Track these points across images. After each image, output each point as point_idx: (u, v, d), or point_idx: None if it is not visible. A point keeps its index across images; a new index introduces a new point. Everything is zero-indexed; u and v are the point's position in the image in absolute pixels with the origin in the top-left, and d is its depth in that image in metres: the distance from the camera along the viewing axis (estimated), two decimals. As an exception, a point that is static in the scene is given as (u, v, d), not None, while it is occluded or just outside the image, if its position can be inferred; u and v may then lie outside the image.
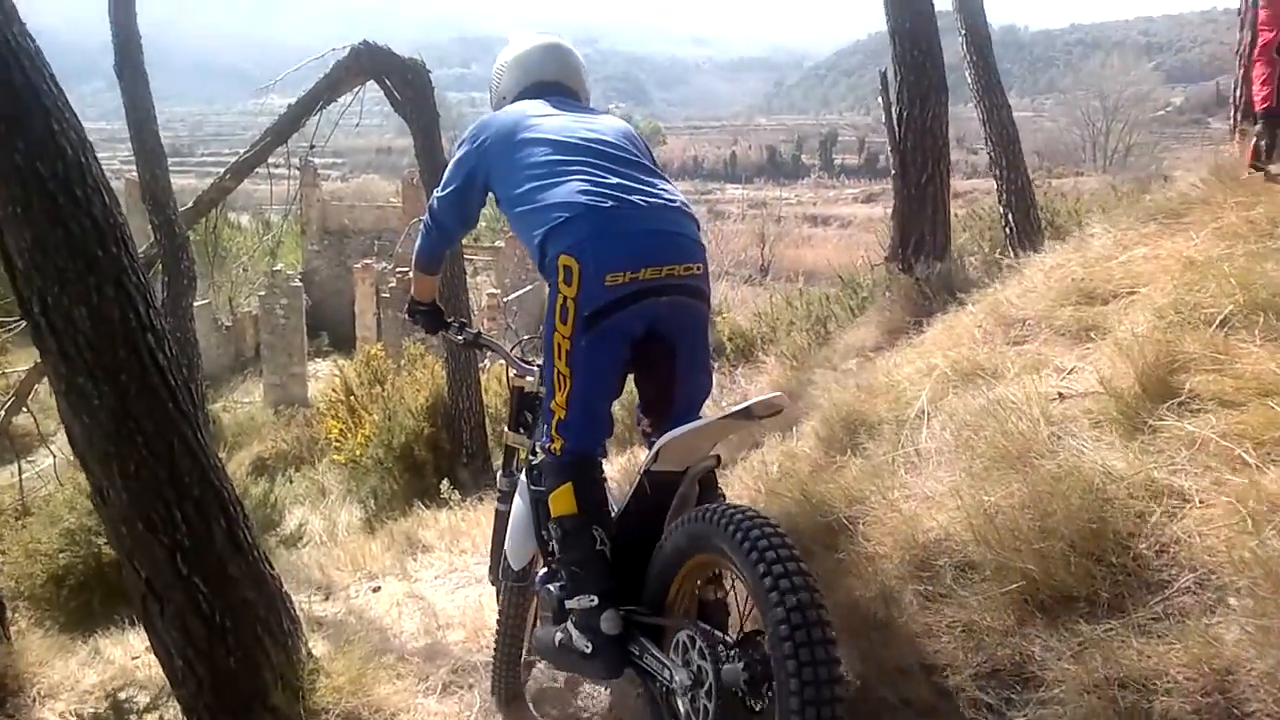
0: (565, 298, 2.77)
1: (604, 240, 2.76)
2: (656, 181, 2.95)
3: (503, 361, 3.88)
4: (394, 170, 64.43)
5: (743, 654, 2.41)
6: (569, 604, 2.90)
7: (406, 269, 27.01)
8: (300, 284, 32.19)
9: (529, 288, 31.27)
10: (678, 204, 2.92)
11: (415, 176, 20.47)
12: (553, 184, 2.88)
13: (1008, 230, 8.49)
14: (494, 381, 11.01)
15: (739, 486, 4.56)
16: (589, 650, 2.81)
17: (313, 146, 11.22)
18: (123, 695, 3.79)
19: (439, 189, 3.32)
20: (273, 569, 3.83)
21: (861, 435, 3.92)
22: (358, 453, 10.93)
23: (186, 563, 3.49)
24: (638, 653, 2.76)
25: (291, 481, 15.40)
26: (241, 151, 11.60)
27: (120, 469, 3.41)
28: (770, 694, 2.32)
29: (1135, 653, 2.30)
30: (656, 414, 3.11)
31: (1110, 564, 2.51)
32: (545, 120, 3.09)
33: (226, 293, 36.53)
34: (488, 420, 10.17)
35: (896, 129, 7.27)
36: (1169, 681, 2.21)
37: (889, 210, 8.12)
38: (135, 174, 9.69)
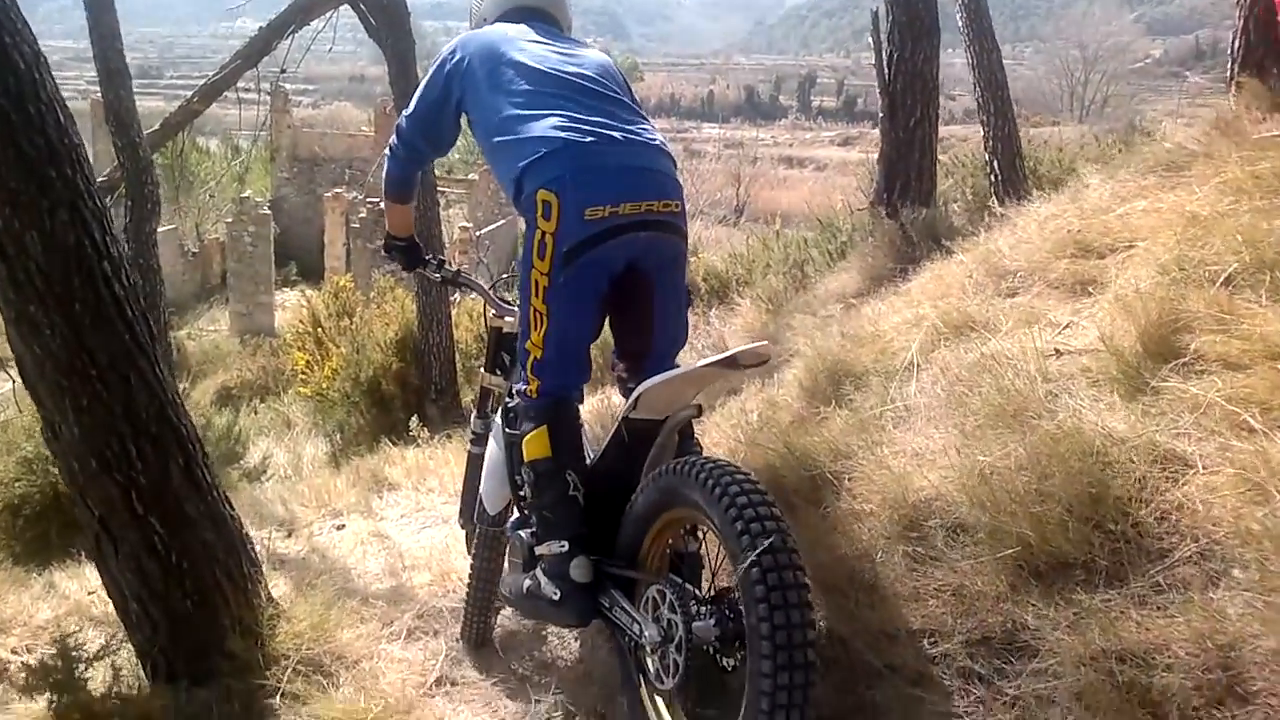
0: (544, 233, 2.71)
1: (583, 175, 2.71)
2: (636, 119, 2.91)
3: (479, 299, 3.75)
4: (367, 98, 63.45)
5: (715, 610, 2.37)
6: (539, 550, 2.87)
7: (377, 199, 26.61)
8: (269, 212, 31.71)
9: (502, 222, 30.93)
10: (656, 142, 2.89)
11: (388, 105, 20.09)
12: (532, 116, 2.81)
13: (993, 178, 8.35)
14: (465, 316, 10.84)
15: (716, 434, 4.44)
16: (557, 597, 2.78)
17: (283, 71, 10.95)
18: (74, 636, 3.65)
19: (408, 109, 3.22)
20: (232, 510, 3.69)
21: (847, 386, 3.80)
22: (324, 386, 10.74)
23: (142, 502, 3.34)
24: (608, 605, 2.72)
25: (256, 413, 15.19)
26: (210, 74, 11.29)
27: (73, 402, 3.24)
28: (742, 651, 2.27)
29: (1134, 624, 2.20)
30: (633, 357, 3.05)
31: (1109, 531, 2.41)
32: (528, 47, 2.99)
33: (193, 219, 35.92)
34: (458, 356, 10.02)
35: (886, 70, 7.10)
36: (1169, 656, 2.11)
37: (866, 154, 7.99)
38: (100, 95, 9.38)
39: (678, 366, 2.87)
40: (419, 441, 7.55)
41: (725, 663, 2.35)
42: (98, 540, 3.44)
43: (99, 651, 3.50)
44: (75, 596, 4.96)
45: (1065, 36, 74.05)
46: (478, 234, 27.21)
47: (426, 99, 3.14)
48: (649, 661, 2.53)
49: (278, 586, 4.72)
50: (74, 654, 3.29)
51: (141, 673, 3.57)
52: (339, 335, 11.74)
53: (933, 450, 2.98)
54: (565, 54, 3.02)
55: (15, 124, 3.04)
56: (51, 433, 3.37)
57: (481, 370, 3.68)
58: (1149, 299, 3.04)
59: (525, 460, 2.87)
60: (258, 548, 5.38)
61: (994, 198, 8.08)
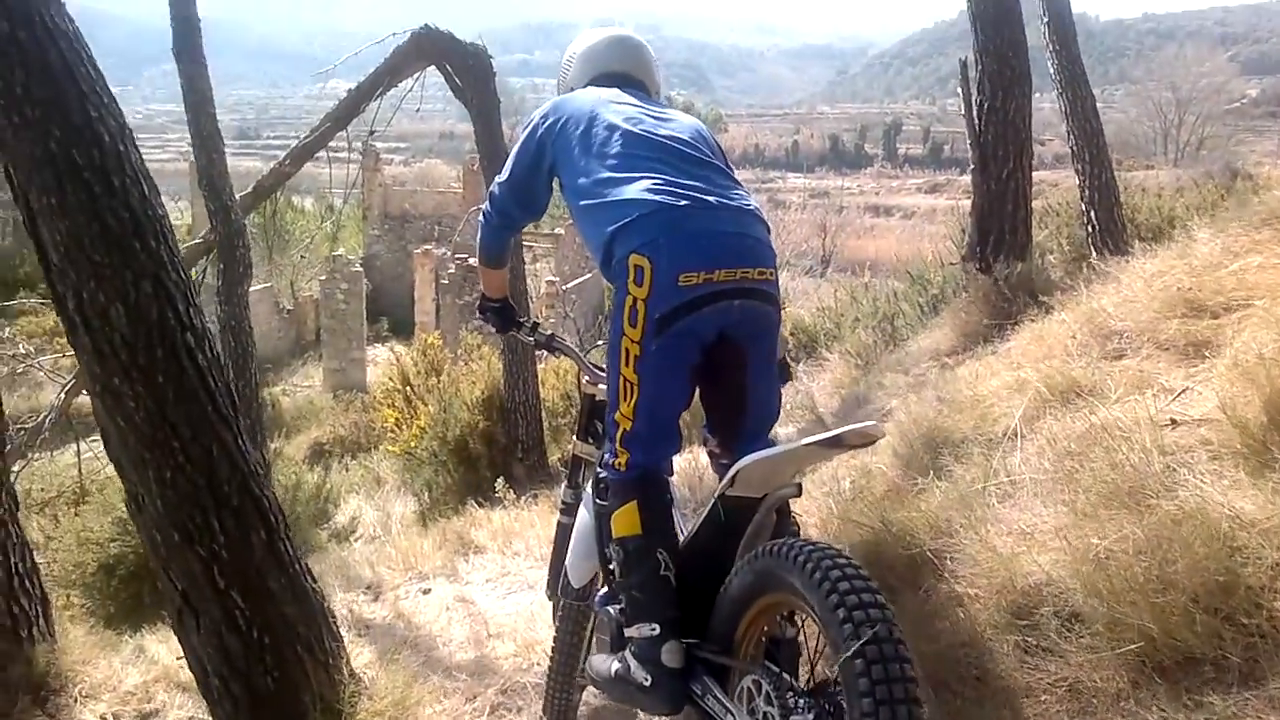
0: (635, 299, 2.62)
1: (678, 239, 2.61)
2: (730, 184, 2.83)
3: (571, 363, 3.67)
4: (456, 155, 64.74)
5: (814, 703, 2.19)
6: (629, 632, 2.72)
7: (466, 255, 26.98)
8: (360, 269, 32.27)
9: (588, 276, 31.08)
10: (751, 207, 2.80)
11: (476, 162, 20.43)
12: (624, 179, 2.74)
13: (1090, 229, 8.10)
14: (551, 375, 10.82)
15: (807, 503, 4.29)
16: (648, 682, 2.63)
17: (373, 132, 11.10)
18: (153, 706, 3.61)
19: (500, 175, 3.18)
20: (314, 582, 3.64)
21: (945, 456, 3.62)
22: (412, 444, 10.78)
23: (224, 575, 3.31)
24: (700, 691, 2.55)
25: (347, 469, 15.35)
26: (302, 137, 11.53)
27: (156, 475, 3.23)
28: None
29: (1274, 731, 2.00)
30: (725, 431, 2.95)
31: (1241, 624, 2.20)
32: (620, 109, 2.95)
33: (288, 276, 36.76)
34: (545, 415, 9.97)
35: (976, 120, 6.92)
36: (1316, 769, 1.91)
37: (954, 201, 7.81)
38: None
39: (775, 443, 2.73)
40: (505, 503, 7.50)
41: None
42: (180, 614, 3.41)
43: (178, 732, 3.45)
44: (164, 661, 4.95)
45: (1157, 78, 72.63)
46: (564, 288, 27.38)
47: (520, 163, 3.10)
48: None
49: (362, 654, 4.67)
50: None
51: (224, 750, 3.53)
52: (427, 393, 11.81)
53: (1042, 530, 2.79)
54: (658, 117, 2.96)
55: (100, 197, 3.06)
56: (135, 505, 3.36)
57: (573, 438, 3.55)
58: (1272, 364, 2.83)
59: (614, 537, 2.77)
60: (343, 612, 5.37)
61: (1092, 249, 7.84)
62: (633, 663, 2.68)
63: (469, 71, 9.30)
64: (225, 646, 3.35)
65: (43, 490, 10.60)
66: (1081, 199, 8.39)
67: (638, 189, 2.69)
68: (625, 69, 3.26)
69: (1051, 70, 8.52)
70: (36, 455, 10.44)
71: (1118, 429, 2.97)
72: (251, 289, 10.15)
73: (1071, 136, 8.46)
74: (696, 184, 2.73)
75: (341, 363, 30.20)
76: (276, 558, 3.43)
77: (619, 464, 2.79)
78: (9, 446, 9.67)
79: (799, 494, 2.63)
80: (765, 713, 2.28)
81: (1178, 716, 2.12)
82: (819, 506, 4.03)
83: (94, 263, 3.08)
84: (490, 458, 9.81)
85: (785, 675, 2.33)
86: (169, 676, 4.72)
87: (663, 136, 2.86)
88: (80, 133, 3.05)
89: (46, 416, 10.08)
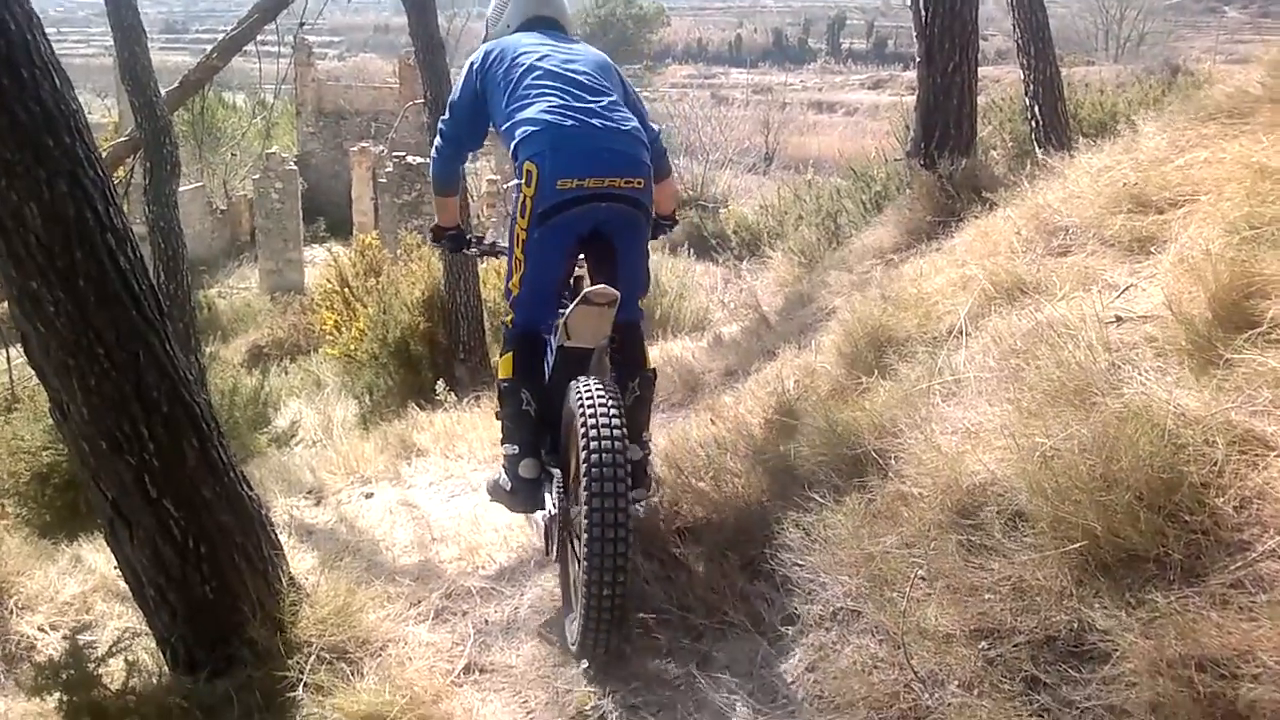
0: (525, 196, 3.38)
1: (559, 152, 3.33)
2: (616, 110, 3.51)
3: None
4: (392, 50, 62.82)
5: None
6: (500, 450, 3.72)
7: (404, 153, 26.42)
8: (295, 167, 31.44)
9: (529, 174, 30.57)
10: (629, 129, 3.48)
11: (412, 56, 19.81)
12: (529, 103, 3.46)
13: (1034, 124, 8.04)
14: (492, 274, 10.66)
15: (751, 402, 4.27)
16: (508, 488, 3.61)
17: (303, 24, 10.73)
18: (88, 628, 3.55)
19: (445, 113, 3.88)
20: (251, 490, 3.55)
21: (889, 354, 3.59)
22: (352, 346, 10.62)
23: (155, 484, 3.22)
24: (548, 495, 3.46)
25: (287, 373, 15.15)
26: (230, 29, 11.09)
27: (80, 382, 3.11)
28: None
29: (1215, 627, 2.00)
30: None
31: (1184, 521, 2.20)
32: (534, 48, 3.66)
33: (220, 176, 35.74)
34: (486, 315, 9.85)
35: (923, 13, 6.77)
36: (1256, 665, 1.92)
37: (898, 97, 7.71)
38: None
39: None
40: (447, 405, 7.43)
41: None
42: (112, 524, 3.33)
43: (113, 646, 3.38)
44: (102, 571, 4.87)
45: (1100, -29, 72.23)
46: (504, 186, 26.94)
47: (461, 101, 3.80)
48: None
49: (305, 559, 4.62)
50: (86, 651, 3.17)
51: (162, 660, 3.47)
52: (366, 295, 11.61)
53: (987, 429, 2.77)
54: (566, 55, 3.66)
55: (7, 89, 2.89)
56: (60, 414, 3.24)
57: None
58: (1218, 260, 2.80)
59: (497, 378, 3.73)
60: (284, 518, 5.30)
61: (1036, 145, 7.80)
62: (501, 474, 3.67)
63: (402, -41, 8.96)
64: (160, 556, 3.28)
65: (-34, 397, 10.32)
66: (1025, 94, 8.31)
67: (535, 110, 3.41)
68: (547, 13, 3.94)
69: (998, -39, 8.38)
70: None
71: (1063, 326, 2.94)
72: (182, 189, 9.85)
73: (1017, 30, 8.33)
74: (586, 107, 3.42)
75: (278, 264, 29.59)
76: (210, 465, 3.34)
77: (508, 321, 3.69)
78: (-68, 353, 9.40)
79: (615, 340, 3.58)
80: (554, 494, 3.37)
81: (1120, 614, 2.13)
82: (762, 406, 4.01)
83: (4, 160, 2.92)
84: (432, 359, 9.72)
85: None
86: (107, 586, 4.66)
87: (567, 69, 3.56)
88: (-18, 21, 2.85)
89: (-30, 321, 9.79)
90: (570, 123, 3.36)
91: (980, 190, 5.62)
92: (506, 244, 3.63)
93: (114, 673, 3.33)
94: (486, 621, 3.66)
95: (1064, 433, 2.46)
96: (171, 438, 3.23)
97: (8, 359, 10.21)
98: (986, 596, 2.35)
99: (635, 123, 3.53)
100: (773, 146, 41.24)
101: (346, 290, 12.18)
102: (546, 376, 3.61)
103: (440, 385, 7.87)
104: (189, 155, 25.28)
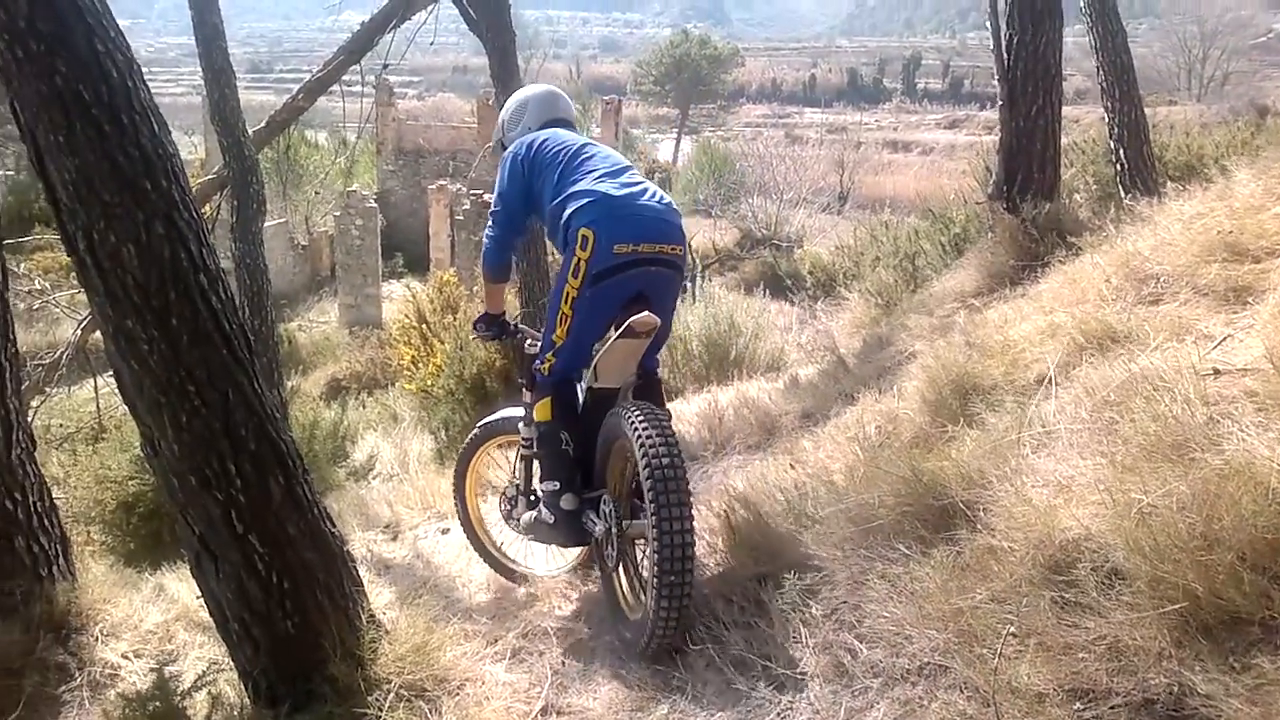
0: (580, 259, 3.70)
1: (615, 220, 3.70)
2: (650, 185, 3.92)
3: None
4: (470, 89, 64.00)
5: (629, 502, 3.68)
6: (540, 487, 4.04)
7: (480, 191, 26.73)
8: (375, 204, 32.00)
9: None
10: (669, 203, 3.89)
11: (491, 96, 20.07)
12: (580, 178, 3.84)
13: (1119, 167, 7.93)
14: (567, 313, 10.72)
15: (831, 447, 4.22)
16: (552, 521, 3.93)
17: (386, 65, 10.94)
18: (174, 661, 3.60)
19: (495, 205, 4.18)
20: (334, 526, 3.59)
21: (975, 402, 3.53)
22: (429, 382, 10.73)
23: (242, 520, 3.27)
24: (590, 524, 3.84)
25: (364, 406, 15.33)
26: (315, 70, 11.35)
27: (171, 419, 3.18)
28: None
29: (1326, 697, 1.93)
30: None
31: (1290, 584, 2.13)
32: (569, 137, 4.09)
33: (303, 212, 36.51)
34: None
35: (1005, 55, 6.72)
36: (1370, 736, 1.84)
37: (975, 137, 7.64)
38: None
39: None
40: (521, 442, 7.43)
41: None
42: (198, 558, 3.39)
43: (198, 679, 3.43)
44: (184, 600, 4.95)
45: (1182, 11, 71.13)
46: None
47: (512, 188, 4.10)
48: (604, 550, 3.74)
49: (383, 594, 4.66)
50: (171, 684, 3.21)
51: (244, 693, 3.51)
52: (443, 330, 11.74)
53: (1080, 483, 2.70)
54: (594, 146, 4.05)
55: (108, 135, 2.97)
56: (151, 449, 3.31)
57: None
58: (1322, 313, 2.72)
59: (534, 420, 4.02)
60: (362, 552, 5.35)
61: (1121, 189, 7.68)
62: (543, 510, 3.99)
63: (483, 3, 9.10)
64: (245, 591, 3.32)
65: (61, 426, 10.61)
66: (1110, 136, 8.21)
67: (587, 184, 3.79)
68: (563, 115, 4.39)
69: (1082, 3, 8.29)
70: (54, 390, 10.46)
71: (1158, 378, 2.87)
72: (266, 225, 10.04)
73: (1101, 72, 8.25)
74: (631, 182, 3.83)
75: (357, 299, 30.07)
76: (295, 502, 3.38)
77: (545, 368, 3.96)
78: (26, 383, 9.68)
79: (639, 380, 3.95)
80: (605, 513, 3.68)
81: (1223, 678, 2.05)
82: (844, 452, 3.96)
83: (104, 202, 3.01)
84: (506, 396, 9.76)
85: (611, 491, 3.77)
86: (189, 615, 4.72)
87: (599, 154, 3.98)
88: (87, 68, 2.96)
89: (63, 352, 10.09)
90: (622, 194, 3.75)
91: (1065, 235, 5.54)
92: (546, 320, 3.99)
93: (198, 705, 3.38)
94: (563, 662, 3.64)
95: (1161, 489, 2.39)
96: (258, 474, 3.28)
97: (95, 389, 10.50)
98: (1081, 656, 2.27)
99: (667, 197, 3.95)
100: (847, 186, 41.11)
101: (424, 326, 12.33)
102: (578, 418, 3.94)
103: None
104: (273, 192, 25.86)
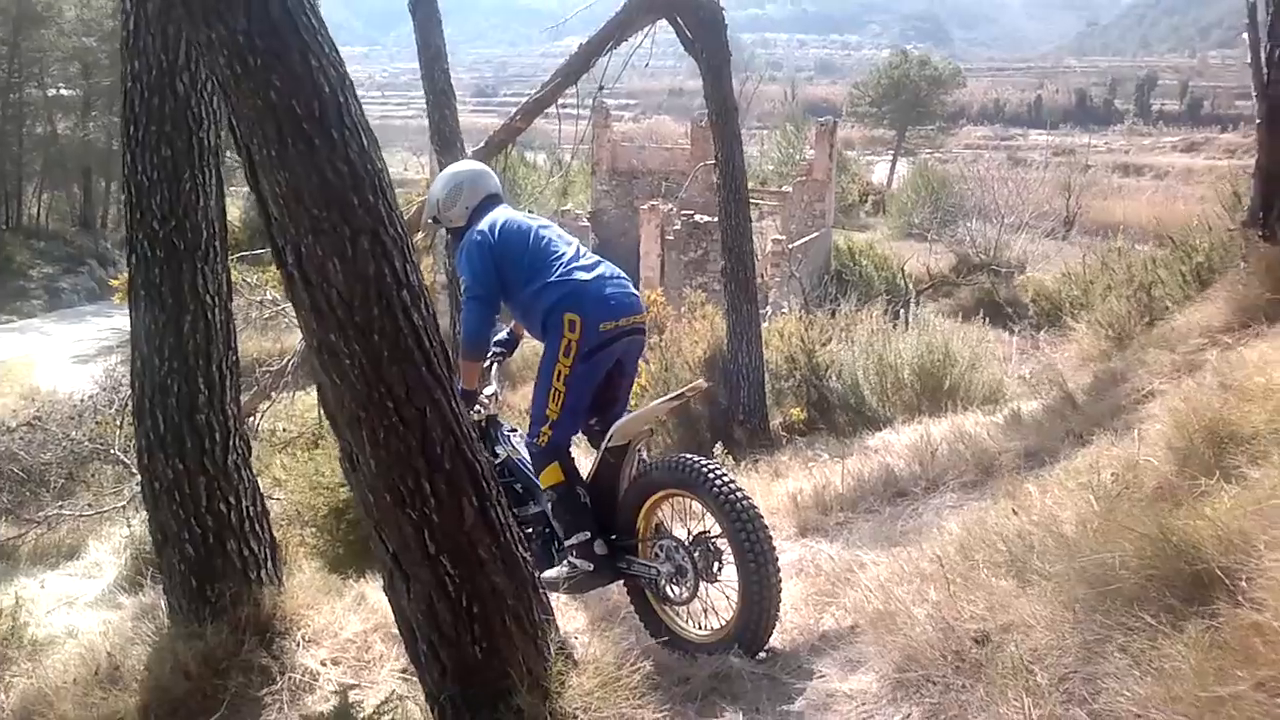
0: (569, 340, 4.25)
1: (595, 303, 4.29)
2: (604, 263, 4.51)
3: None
4: (684, 112, 64.60)
5: (701, 546, 4.12)
6: (569, 541, 4.34)
7: (692, 211, 26.85)
8: (588, 223, 32.59)
9: (815, 235, 30.42)
10: (624, 278, 4.53)
11: (705, 119, 20.12)
12: (548, 268, 4.36)
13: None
14: (774, 336, 10.49)
15: (1060, 493, 3.86)
16: (591, 568, 4.28)
17: (602, 87, 11.02)
18: (370, 657, 3.56)
19: (469, 287, 4.46)
20: (525, 552, 3.50)
21: (1233, 453, 3.13)
22: (633, 404, 10.69)
23: (434, 540, 3.22)
24: (625, 566, 4.33)
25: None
26: (534, 92, 11.55)
27: (369, 435, 3.16)
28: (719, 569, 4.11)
29: None
30: (606, 413, 4.57)
31: None
32: (517, 218, 4.56)
33: (520, 230, 37.50)
34: (768, 378, 9.68)
35: (1265, 70, 6.14)
36: None
37: (1214, 161, 7.01)
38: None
39: (638, 408, 4.65)
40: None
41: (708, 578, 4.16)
42: (391, 576, 3.36)
43: (381, 705, 3.39)
44: (383, 611, 4.98)
45: None
46: (790, 246, 26.83)
47: (485, 270, 4.42)
48: (669, 588, 4.20)
49: (576, 619, 4.56)
50: (353, 709, 3.17)
51: (430, 717, 3.45)
52: (649, 351, 11.70)
53: (1370, 556, 2.31)
54: (542, 227, 4.58)
55: (319, 149, 2.98)
56: (350, 464, 3.30)
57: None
58: None
59: (546, 487, 4.39)
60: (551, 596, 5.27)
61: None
62: (577, 560, 4.31)
63: (701, 24, 9.06)
64: (434, 612, 3.28)
65: (285, 430, 11.08)
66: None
67: (561, 273, 4.33)
68: (495, 190, 4.78)
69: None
70: (282, 396, 10.95)
71: None
72: (481, 242, 10.25)
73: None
74: (592, 264, 4.42)
75: (566, 315, 30.62)
76: (488, 525, 3.31)
77: (541, 441, 4.37)
78: (254, 389, 10.15)
79: (649, 434, 4.71)
80: (681, 557, 4.14)
81: None
82: (1075, 501, 3.60)
83: (312, 216, 3.01)
84: (710, 419, 9.63)
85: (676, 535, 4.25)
86: (386, 627, 4.75)
87: (559, 240, 4.52)
88: (301, 83, 2.97)
89: (289, 360, 10.57)
90: (592, 278, 4.34)
91: (1334, 267, 4.97)
92: (534, 399, 4.41)
93: (385, 726, 3.33)
94: (757, 709, 3.44)
95: None
96: (452, 495, 3.23)
97: (319, 398, 10.93)
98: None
99: (622, 273, 4.55)
100: (1074, 210, 39.23)
101: (631, 345, 12.32)
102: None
103: (718, 447, 7.74)
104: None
